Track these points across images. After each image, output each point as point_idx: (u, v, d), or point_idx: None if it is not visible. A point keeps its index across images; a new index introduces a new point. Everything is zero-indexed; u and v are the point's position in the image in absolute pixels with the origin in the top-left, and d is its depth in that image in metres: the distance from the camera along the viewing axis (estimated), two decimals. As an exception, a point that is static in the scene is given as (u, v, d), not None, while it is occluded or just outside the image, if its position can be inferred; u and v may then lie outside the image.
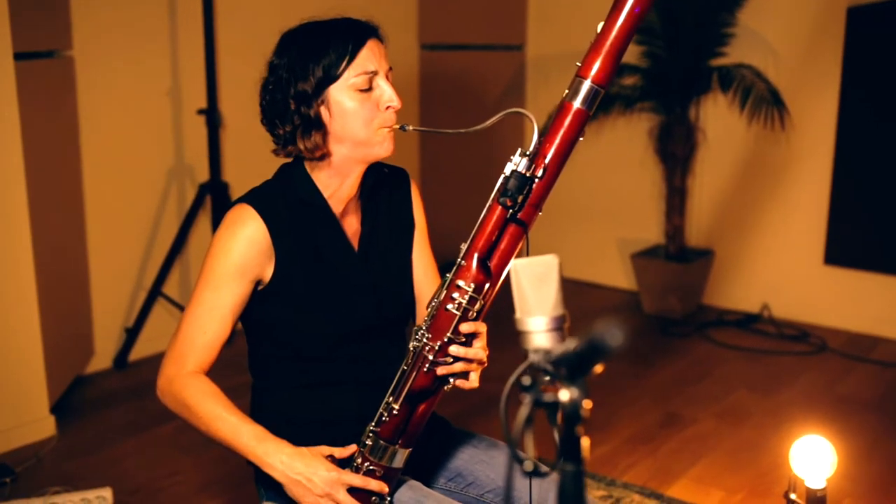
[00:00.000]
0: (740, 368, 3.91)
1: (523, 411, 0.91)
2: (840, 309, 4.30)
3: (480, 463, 1.81)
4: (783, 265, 4.44)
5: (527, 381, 0.93)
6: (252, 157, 4.15)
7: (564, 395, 0.92)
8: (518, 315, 1.24)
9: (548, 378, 1.21)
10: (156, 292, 3.77)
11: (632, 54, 4.50)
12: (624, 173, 4.83)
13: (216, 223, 3.73)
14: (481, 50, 5.07)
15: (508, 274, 1.52)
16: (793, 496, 2.03)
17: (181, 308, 3.85)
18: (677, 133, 4.40)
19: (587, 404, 0.91)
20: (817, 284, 4.35)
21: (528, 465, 0.96)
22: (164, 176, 3.94)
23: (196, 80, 3.86)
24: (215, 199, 3.77)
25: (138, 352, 3.87)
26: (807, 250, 4.36)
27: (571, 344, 0.94)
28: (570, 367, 0.95)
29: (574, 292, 4.68)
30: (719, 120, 4.49)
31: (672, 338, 4.25)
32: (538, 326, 1.22)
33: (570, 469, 0.92)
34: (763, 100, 4.06)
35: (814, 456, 1.99)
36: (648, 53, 4.42)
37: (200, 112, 3.77)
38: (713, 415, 3.42)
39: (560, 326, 1.24)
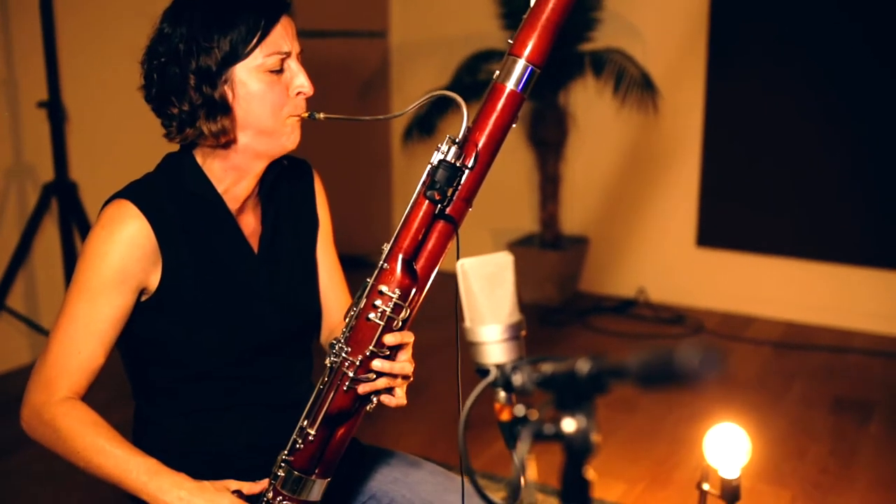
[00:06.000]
0: (623, 355, 3.88)
1: (522, 450, 0.75)
2: (713, 290, 4.37)
3: (396, 482, 1.65)
4: (657, 249, 4.47)
5: (520, 411, 0.76)
6: (102, 154, 3.83)
7: (569, 425, 0.76)
8: (468, 324, 1.08)
9: (508, 398, 1.07)
10: (-3, 306, 3.39)
11: (500, 39, 4.41)
12: (496, 161, 4.73)
13: (64, 227, 3.40)
14: (343, 37, 4.86)
15: (443, 276, 1.36)
16: (706, 486, 1.97)
17: (28, 322, 3.49)
18: (549, 119, 4.34)
19: (597, 436, 0.76)
20: (691, 266, 4.41)
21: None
22: (2, 177, 3.56)
23: (34, 69, 3.48)
24: (62, 200, 3.42)
25: (-20, 373, 3.48)
26: (679, 233, 4.40)
27: (569, 362, 0.79)
28: (564, 390, 0.80)
29: (447, 285, 4.54)
30: (589, 105, 4.47)
31: (551, 327, 4.20)
32: (492, 336, 1.08)
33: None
34: (635, 84, 4.05)
35: (728, 445, 1.95)
36: (517, 38, 4.33)
37: (41, 105, 3.40)
38: (602, 404, 3.34)
39: (517, 335, 1.09)
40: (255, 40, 1.36)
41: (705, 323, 4.19)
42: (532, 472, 0.81)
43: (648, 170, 4.44)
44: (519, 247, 4.51)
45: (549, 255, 4.41)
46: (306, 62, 1.45)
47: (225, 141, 1.40)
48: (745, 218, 4.24)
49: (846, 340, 3.98)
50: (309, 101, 1.44)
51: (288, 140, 1.42)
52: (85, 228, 3.34)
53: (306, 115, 1.42)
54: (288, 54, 1.39)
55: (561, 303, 4.43)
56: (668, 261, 4.45)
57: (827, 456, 2.95)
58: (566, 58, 4.21)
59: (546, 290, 4.40)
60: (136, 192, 1.40)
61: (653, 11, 4.31)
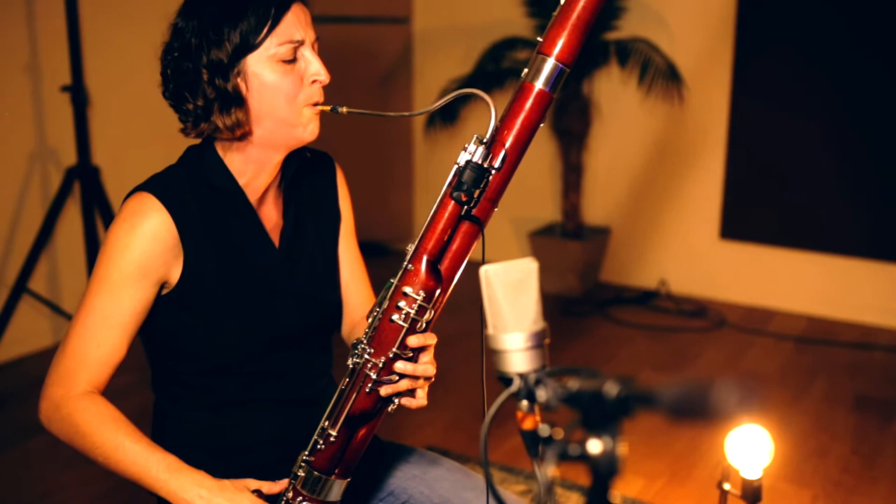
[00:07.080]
0: (644, 347, 3.86)
1: (547, 471, 0.73)
2: (736, 283, 4.33)
3: (414, 479, 1.64)
4: (680, 241, 4.43)
5: (545, 431, 0.75)
6: (124, 138, 3.84)
7: (595, 446, 0.74)
8: (491, 331, 1.06)
9: (530, 406, 1.05)
10: (20, 289, 3.40)
11: (524, 27, 4.37)
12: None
13: (86, 211, 3.41)
14: (366, 23, 4.84)
15: (465, 279, 1.34)
16: (727, 486, 1.96)
17: (50, 305, 3.51)
18: (572, 108, 4.30)
19: (623, 451, 0.74)
20: (714, 259, 4.37)
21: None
22: (26, 160, 3.56)
23: (58, 54, 3.49)
24: (85, 184, 3.43)
25: (2, 355, 3.50)
26: (703, 225, 4.36)
27: (597, 381, 0.77)
28: (590, 409, 0.78)
29: (470, 275, 4.51)
30: (613, 95, 4.43)
31: (573, 317, 4.17)
32: (516, 344, 1.06)
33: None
34: (661, 74, 4.01)
35: (750, 445, 1.93)
36: (542, 26, 4.29)
37: (64, 89, 3.41)
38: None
39: (541, 343, 1.07)
40: (265, 30, 1.34)
41: (727, 316, 4.15)
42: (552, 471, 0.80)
43: (673, 161, 4.40)
44: (540, 236, 4.49)
45: (571, 245, 4.39)
46: (328, 48, 1.42)
47: (240, 133, 1.38)
48: (770, 211, 4.20)
49: (870, 336, 3.94)
50: (331, 85, 1.42)
51: (305, 131, 1.40)
52: (107, 212, 3.35)
53: (328, 108, 1.40)
54: (301, 42, 1.37)
55: (582, 293, 4.40)
56: (691, 253, 4.42)
57: (849, 455, 2.92)
58: (591, 47, 4.16)
59: (567, 281, 4.38)
60: (158, 185, 1.39)
61: (680, 1, 4.25)
